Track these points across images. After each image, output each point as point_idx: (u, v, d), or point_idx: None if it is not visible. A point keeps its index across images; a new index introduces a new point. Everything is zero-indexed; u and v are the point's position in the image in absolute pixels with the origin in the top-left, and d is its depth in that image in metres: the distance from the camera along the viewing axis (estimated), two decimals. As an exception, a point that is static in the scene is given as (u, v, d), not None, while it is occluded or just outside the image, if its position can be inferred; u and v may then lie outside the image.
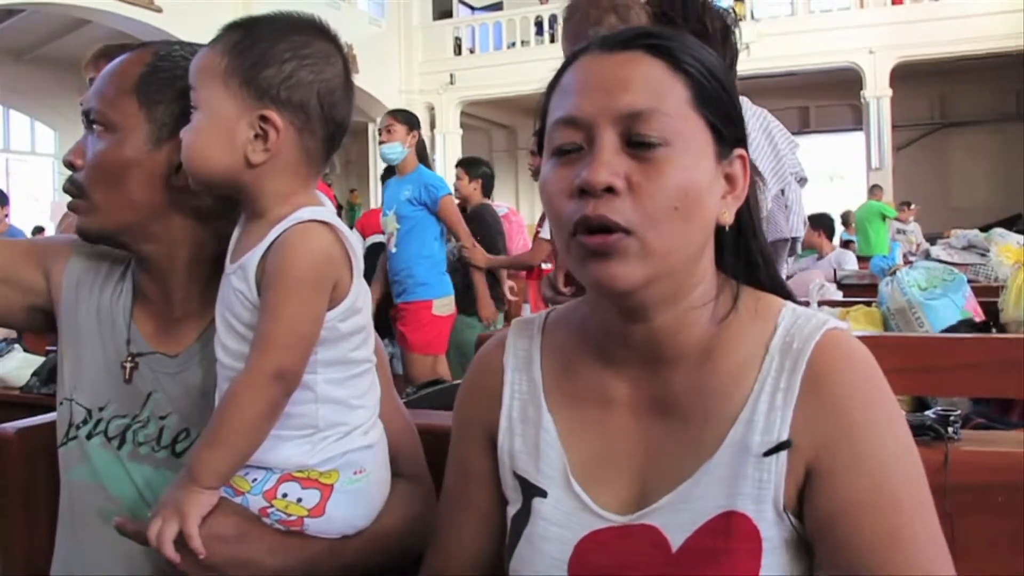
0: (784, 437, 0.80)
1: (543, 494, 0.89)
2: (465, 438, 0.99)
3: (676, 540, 0.81)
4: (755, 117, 1.96)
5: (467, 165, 5.08)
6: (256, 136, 0.97)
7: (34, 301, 1.19)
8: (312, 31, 1.02)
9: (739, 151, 0.86)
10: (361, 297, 1.03)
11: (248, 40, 0.99)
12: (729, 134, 0.84)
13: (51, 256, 1.21)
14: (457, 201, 4.95)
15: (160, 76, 1.09)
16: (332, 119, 1.01)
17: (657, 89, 0.81)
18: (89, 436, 1.13)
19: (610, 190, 0.78)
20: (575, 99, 0.83)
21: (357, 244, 1.03)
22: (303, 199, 1.00)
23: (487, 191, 5.04)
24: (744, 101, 1.72)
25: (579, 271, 0.82)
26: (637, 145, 0.79)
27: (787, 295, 0.92)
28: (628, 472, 0.87)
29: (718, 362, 0.85)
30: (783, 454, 0.80)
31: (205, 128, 0.98)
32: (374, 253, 4.90)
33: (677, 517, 0.82)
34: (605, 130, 0.80)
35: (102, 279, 1.19)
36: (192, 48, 1.12)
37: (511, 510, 0.92)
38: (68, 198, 1.12)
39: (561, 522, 0.87)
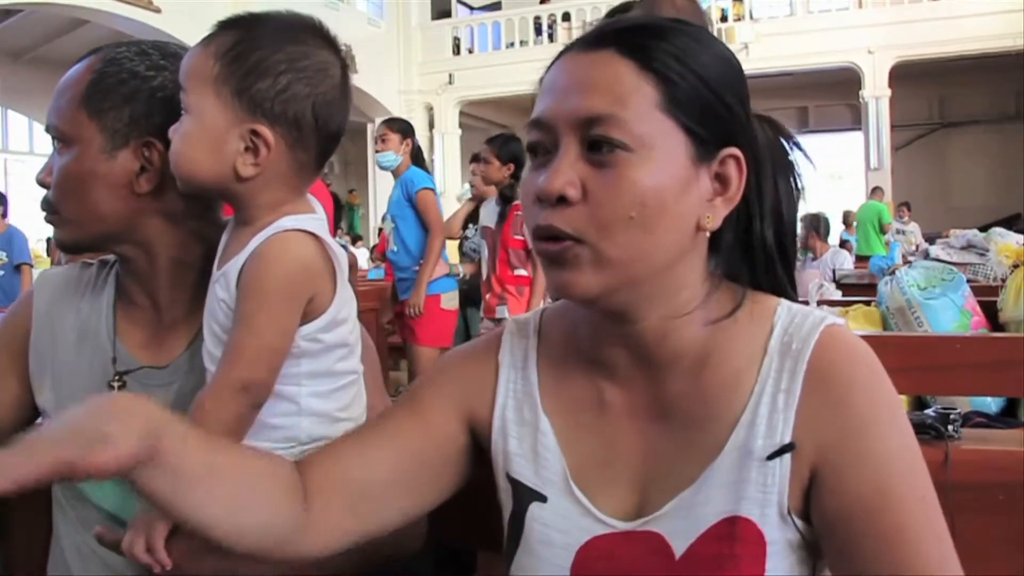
0: (787, 440, 0.78)
1: (542, 499, 0.87)
2: (437, 398, 0.94)
3: (679, 547, 0.80)
4: None
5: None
6: (247, 149, 0.94)
7: (27, 395, 1.18)
8: (310, 37, 0.98)
9: (729, 150, 0.81)
10: (345, 308, 1.00)
11: (243, 46, 0.95)
12: (712, 134, 0.80)
13: (17, 329, 1.18)
14: (469, 191, 4.91)
15: (106, 83, 1.06)
16: (327, 131, 0.99)
17: (619, 92, 0.77)
18: None
19: (563, 200, 0.77)
20: (545, 101, 0.81)
21: (341, 254, 1.00)
22: (292, 207, 0.97)
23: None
24: None
25: (545, 276, 0.82)
26: (596, 151, 0.77)
27: (787, 296, 0.89)
28: (628, 477, 0.85)
29: (716, 365, 0.83)
30: (787, 457, 0.78)
31: (194, 135, 0.95)
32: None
33: (680, 524, 0.80)
34: (566, 135, 0.78)
35: (74, 300, 1.17)
36: (140, 48, 1.09)
37: (505, 512, 0.91)
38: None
39: (562, 527, 0.85)
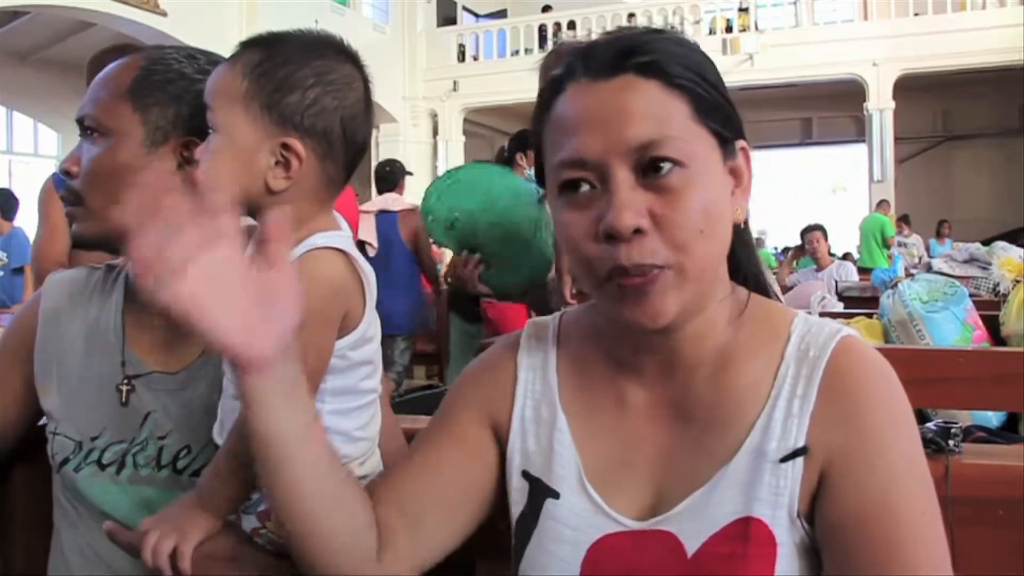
0: (801, 443, 0.80)
1: (555, 495, 0.88)
2: (461, 409, 0.95)
3: (691, 546, 0.81)
4: None
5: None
6: (277, 163, 0.95)
7: (30, 396, 1.18)
8: (334, 53, 0.99)
9: (740, 143, 0.85)
10: (373, 326, 1.01)
11: (270, 63, 0.96)
12: (730, 133, 0.83)
13: (28, 331, 1.19)
14: None
15: (154, 80, 1.07)
16: (354, 143, 1.00)
17: (659, 114, 0.78)
18: (78, 468, 1.11)
19: (638, 231, 0.76)
20: (577, 138, 0.79)
21: (370, 271, 1.01)
22: (319, 223, 0.98)
23: None
24: None
25: (613, 311, 0.81)
26: (652, 175, 0.78)
27: (767, 295, 0.92)
28: (644, 477, 0.86)
29: (735, 369, 0.85)
30: (799, 460, 0.80)
31: (224, 152, 0.95)
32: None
33: (693, 523, 0.81)
34: (617, 168, 0.78)
35: (82, 304, 1.18)
36: (186, 51, 1.11)
37: (515, 511, 0.91)
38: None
39: (574, 524, 0.86)
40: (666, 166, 0.77)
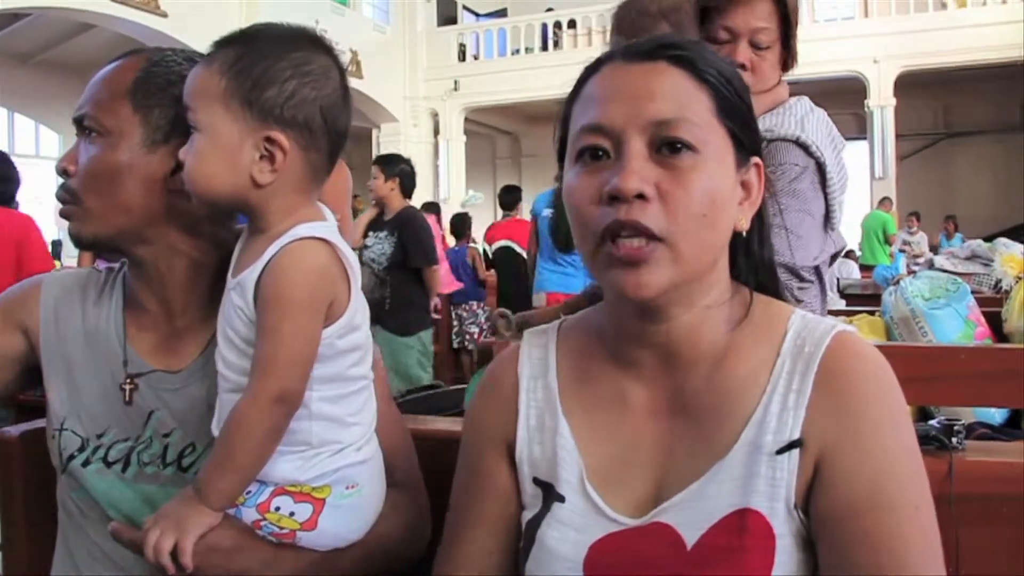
0: (796, 436, 0.82)
1: (561, 499, 0.90)
2: (480, 449, 0.98)
3: (691, 538, 0.82)
4: (822, 122, 1.87)
5: (384, 162, 4.85)
6: (262, 157, 0.97)
7: (23, 364, 1.17)
8: (308, 44, 1.01)
9: (755, 159, 0.88)
10: (359, 314, 1.02)
11: (246, 59, 0.97)
12: (748, 143, 0.87)
13: (21, 307, 1.18)
14: (373, 201, 4.87)
15: (155, 81, 1.08)
16: (335, 131, 1.01)
17: (683, 98, 0.83)
18: (85, 464, 1.11)
19: (641, 197, 0.79)
20: (601, 107, 0.84)
21: (355, 260, 1.02)
22: (304, 213, 0.99)
23: (406, 191, 4.81)
24: (805, 102, 1.72)
25: (604, 278, 0.84)
26: (665, 153, 0.81)
27: (785, 301, 0.94)
28: (645, 472, 0.88)
29: (732, 365, 0.87)
30: (795, 452, 0.81)
31: (208, 151, 0.97)
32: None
33: (690, 515, 0.83)
34: (633, 138, 0.81)
35: (80, 303, 1.18)
36: (186, 54, 1.11)
37: (527, 515, 0.93)
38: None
39: (576, 525, 0.88)
40: (680, 147, 0.81)
